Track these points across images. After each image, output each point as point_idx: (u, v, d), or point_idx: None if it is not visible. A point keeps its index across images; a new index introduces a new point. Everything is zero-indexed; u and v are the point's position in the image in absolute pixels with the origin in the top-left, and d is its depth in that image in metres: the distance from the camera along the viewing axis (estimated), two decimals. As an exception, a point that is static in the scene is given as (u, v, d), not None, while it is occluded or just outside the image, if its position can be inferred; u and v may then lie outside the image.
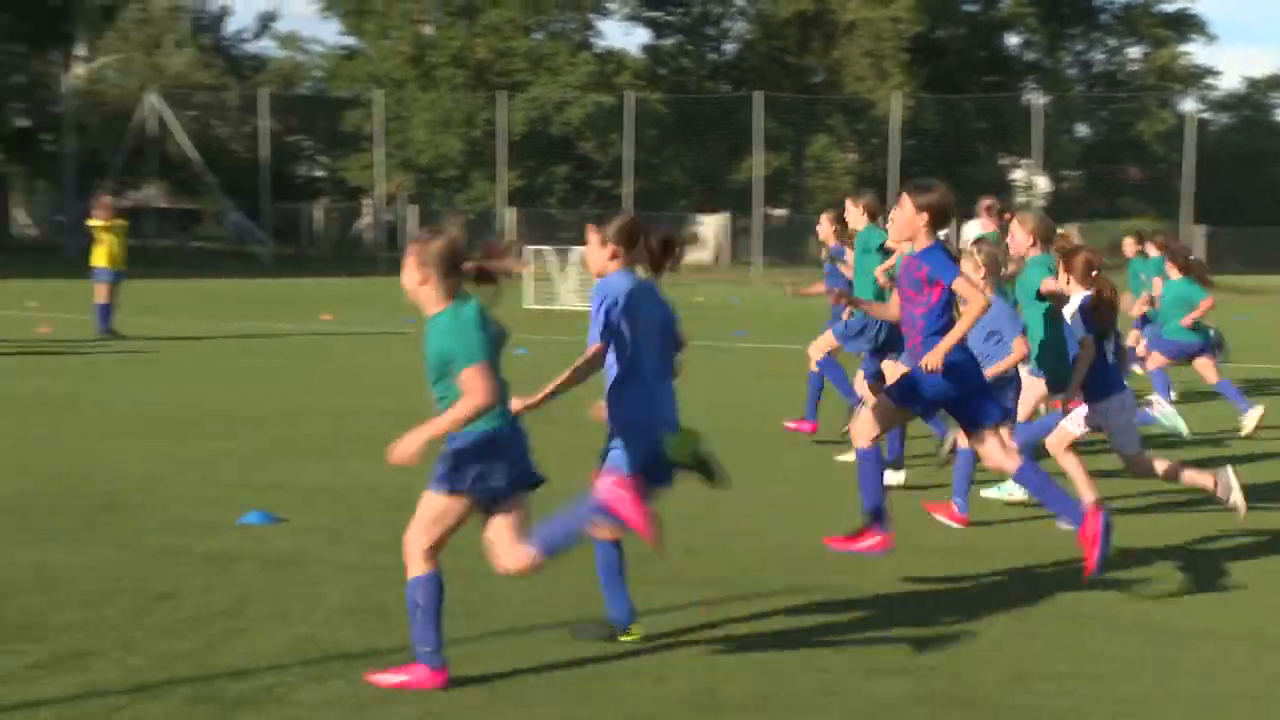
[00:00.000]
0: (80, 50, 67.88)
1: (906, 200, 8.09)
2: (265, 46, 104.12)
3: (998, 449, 8.04)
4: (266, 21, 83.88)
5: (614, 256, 6.82)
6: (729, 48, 76.05)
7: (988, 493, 10.82)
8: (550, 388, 6.78)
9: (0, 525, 9.13)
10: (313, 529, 9.21)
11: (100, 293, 23.31)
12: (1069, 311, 9.59)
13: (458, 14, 67.30)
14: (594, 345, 6.71)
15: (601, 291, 6.75)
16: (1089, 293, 9.36)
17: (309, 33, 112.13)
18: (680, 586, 7.89)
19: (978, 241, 10.86)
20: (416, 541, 6.05)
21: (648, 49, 74.34)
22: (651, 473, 6.60)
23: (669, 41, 75.27)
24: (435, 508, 6.03)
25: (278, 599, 7.50)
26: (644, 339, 6.77)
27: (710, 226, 65.30)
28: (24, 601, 7.36)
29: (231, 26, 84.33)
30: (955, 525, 9.90)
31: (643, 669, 6.51)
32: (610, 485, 6.20)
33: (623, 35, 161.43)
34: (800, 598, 7.77)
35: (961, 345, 7.94)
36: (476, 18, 66.49)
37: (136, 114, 62.28)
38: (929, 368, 7.86)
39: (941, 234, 8.32)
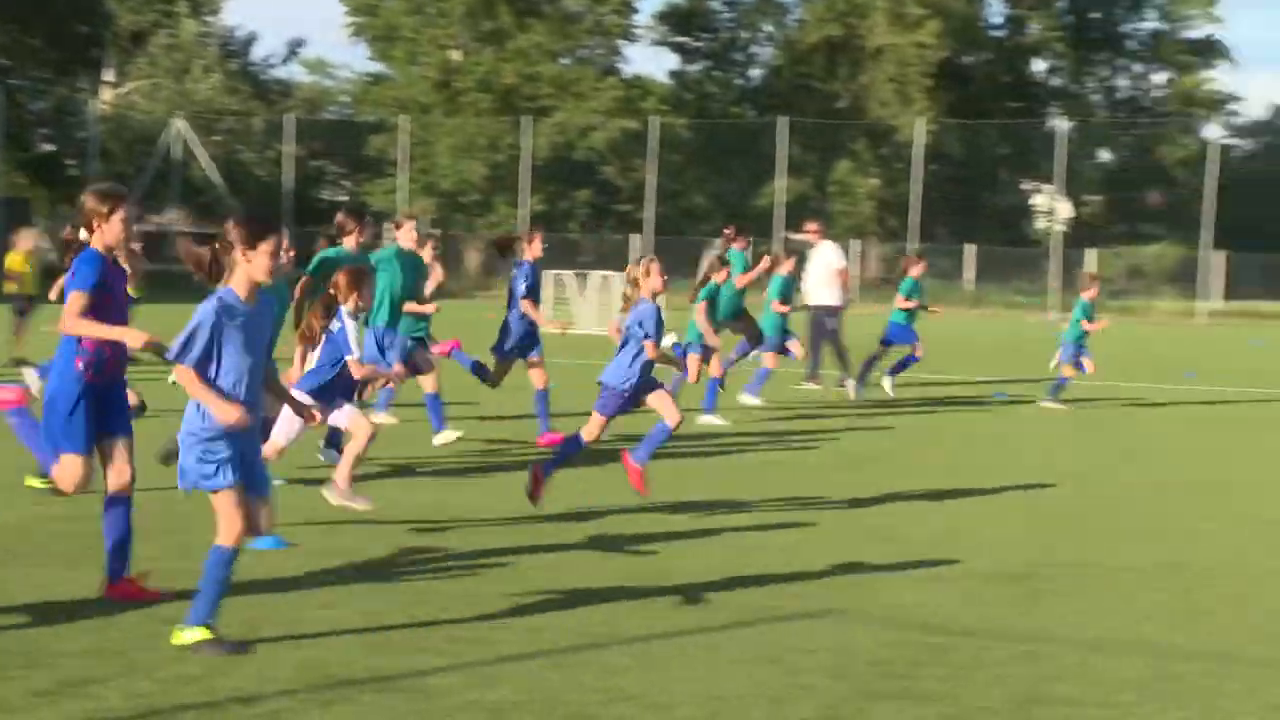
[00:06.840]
0: (109, 76, 68.36)
1: None
2: (293, 72, 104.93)
3: None
4: (294, 47, 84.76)
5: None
6: (755, 74, 76.30)
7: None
8: None
9: (2, 549, 9.15)
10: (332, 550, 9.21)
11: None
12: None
13: (485, 40, 67.59)
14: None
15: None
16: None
17: (337, 59, 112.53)
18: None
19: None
20: None
21: (674, 75, 74.63)
22: None
23: (695, 68, 75.57)
24: None
25: (289, 622, 7.54)
26: None
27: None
28: (26, 626, 7.38)
29: (259, 52, 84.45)
30: None
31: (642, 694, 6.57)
32: None
33: (650, 61, 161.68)
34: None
35: None
36: (504, 43, 66.75)
37: (161, 139, 62.65)
38: None
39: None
